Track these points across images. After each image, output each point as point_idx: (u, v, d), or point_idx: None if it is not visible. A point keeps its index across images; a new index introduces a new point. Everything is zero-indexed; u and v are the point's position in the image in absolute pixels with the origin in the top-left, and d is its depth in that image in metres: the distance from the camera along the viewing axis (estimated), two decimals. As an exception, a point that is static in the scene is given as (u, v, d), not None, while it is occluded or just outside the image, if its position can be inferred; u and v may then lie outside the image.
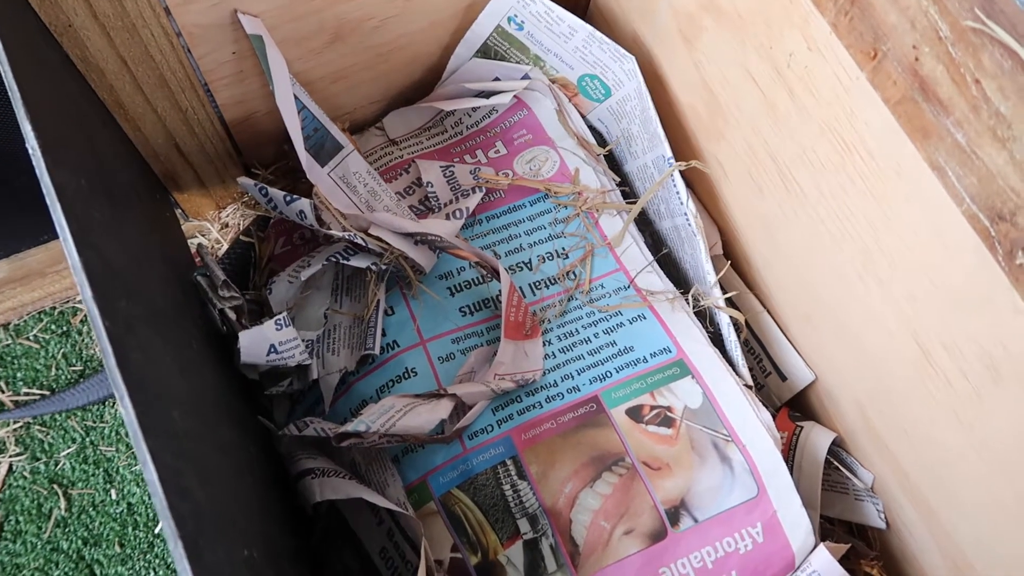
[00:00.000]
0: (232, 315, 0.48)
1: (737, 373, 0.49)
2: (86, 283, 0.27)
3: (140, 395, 0.27)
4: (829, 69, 0.39)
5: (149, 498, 0.61)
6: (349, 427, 0.43)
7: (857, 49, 0.36)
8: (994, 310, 0.35)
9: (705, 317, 0.53)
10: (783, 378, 0.54)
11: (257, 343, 0.46)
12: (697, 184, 0.58)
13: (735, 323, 0.50)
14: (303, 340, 0.50)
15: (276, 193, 0.49)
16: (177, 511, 0.26)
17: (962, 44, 0.30)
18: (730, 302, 0.53)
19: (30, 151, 0.29)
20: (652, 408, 0.48)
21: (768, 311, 0.55)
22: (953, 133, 0.32)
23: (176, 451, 0.29)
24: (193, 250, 0.61)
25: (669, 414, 0.47)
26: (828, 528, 0.54)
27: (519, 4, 0.54)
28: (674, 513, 0.45)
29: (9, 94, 0.30)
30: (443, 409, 0.45)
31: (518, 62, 0.59)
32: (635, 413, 0.47)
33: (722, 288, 0.53)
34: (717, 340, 0.52)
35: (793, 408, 0.56)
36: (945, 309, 0.39)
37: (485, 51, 0.59)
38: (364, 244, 0.50)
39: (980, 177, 0.32)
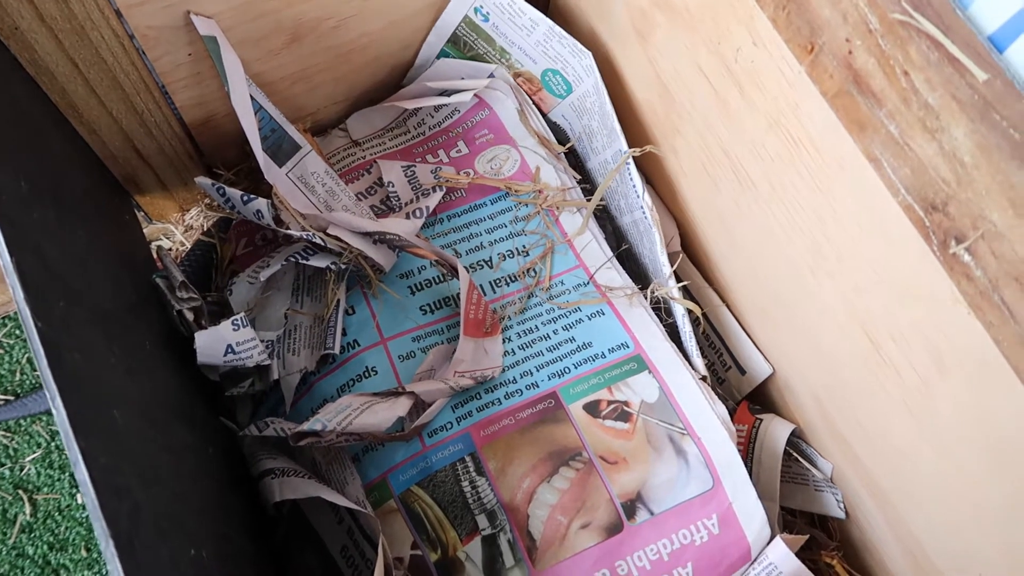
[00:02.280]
0: (190, 316, 0.48)
1: (692, 365, 0.50)
2: (18, 285, 0.27)
3: (74, 395, 0.27)
4: (773, 64, 0.39)
5: (115, 502, 0.61)
6: (305, 426, 0.43)
7: (795, 43, 0.36)
8: (935, 301, 0.35)
9: (663, 311, 0.53)
10: (742, 372, 0.55)
11: (214, 344, 0.46)
12: (656, 180, 0.58)
13: (690, 314, 0.50)
14: (264, 340, 0.50)
15: (233, 193, 0.49)
16: (110, 510, 0.26)
17: (891, 36, 0.31)
18: (686, 292, 0.54)
19: (-37, 153, 0.29)
20: (609, 403, 0.48)
21: (727, 305, 0.55)
22: (887, 125, 0.33)
23: (114, 451, 0.29)
24: (154, 253, 0.61)
25: (626, 408, 0.48)
26: (790, 519, 0.54)
27: None
28: (630, 506, 0.45)
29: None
30: (401, 407, 0.45)
31: (485, 53, 0.59)
32: (593, 408, 0.48)
33: (678, 280, 0.53)
34: (675, 334, 0.52)
35: (754, 402, 0.56)
36: (891, 301, 0.39)
37: (455, 41, 0.59)
38: (323, 244, 0.50)
39: (913, 168, 0.32)
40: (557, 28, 0.54)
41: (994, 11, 0.31)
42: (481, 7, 0.56)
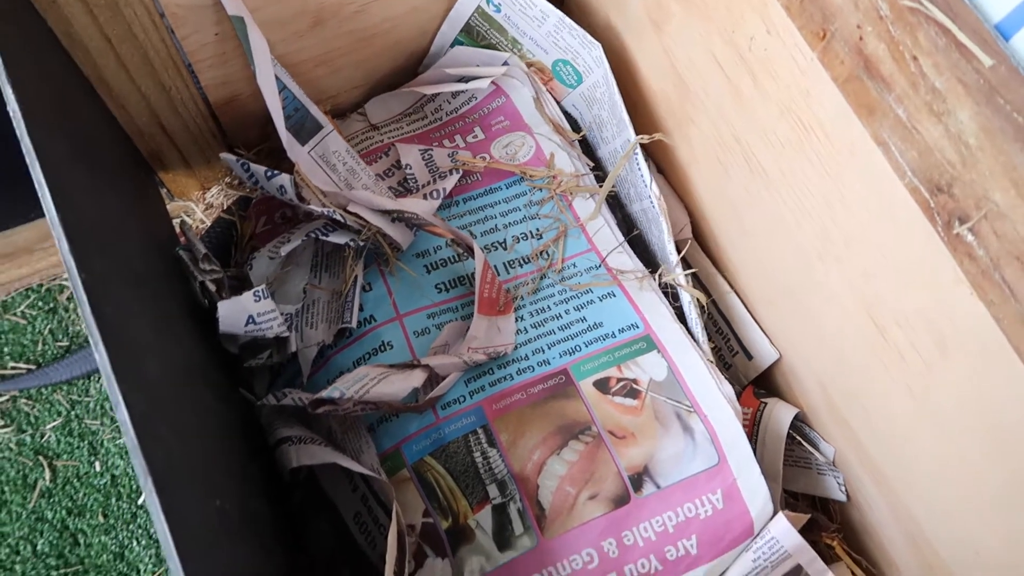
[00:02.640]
0: (212, 287, 0.49)
1: (695, 340, 0.51)
2: (63, 236, 0.29)
3: (113, 342, 0.29)
4: (786, 52, 0.41)
5: (132, 469, 0.62)
6: (324, 393, 0.44)
7: (808, 30, 0.37)
8: (938, 282, 0.37)
9: (671, 296, 0.55)
10: (749, 357, 0.56)
11: (236, 313, 0.47)
12: (669, 168, 0.59)
13: (696, 301, 0.52)
14: (282, 314, 0.51)
15: (257, 169, 0.50)
16: (148, 450, 0.27)
17: (901, 23, 0.32)
18: (696, 280, 0.55)
19: (11, 114, 0.30)
20: (619, 380, 0.49)
21: (736, 291, 0.57)
22: (895, 109, 0.34)
23: (149, 400, 0.30)
24: (177, 228, 0.63)
25: (635, 386, 0.49)
26: (792, 503, 0.55)
27: None
28: (637, 479, 0.46)
29: (-7, 61, 0.31)
30: (416, 379, 0.46)
31: (498, 43, 0.61)
32: (602, 385, 0.49)
33: (687, 266, 0.54)
34: (684, 317, 0.53)
35: (759, 386, 0.58)
36: (897, 285, 0.40)
37: (468, 31, 0.60)
38: (343, 221, 0.51)
39: (920, 151, 0.34)
40: (567, 20, 0.55)
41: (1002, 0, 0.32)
42: None
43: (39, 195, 0.29)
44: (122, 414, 0.27)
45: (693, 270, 0.55)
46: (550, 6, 0.55)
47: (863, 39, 0.34)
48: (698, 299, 0.51)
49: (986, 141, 0.31)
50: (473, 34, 0.61)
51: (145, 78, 0.51)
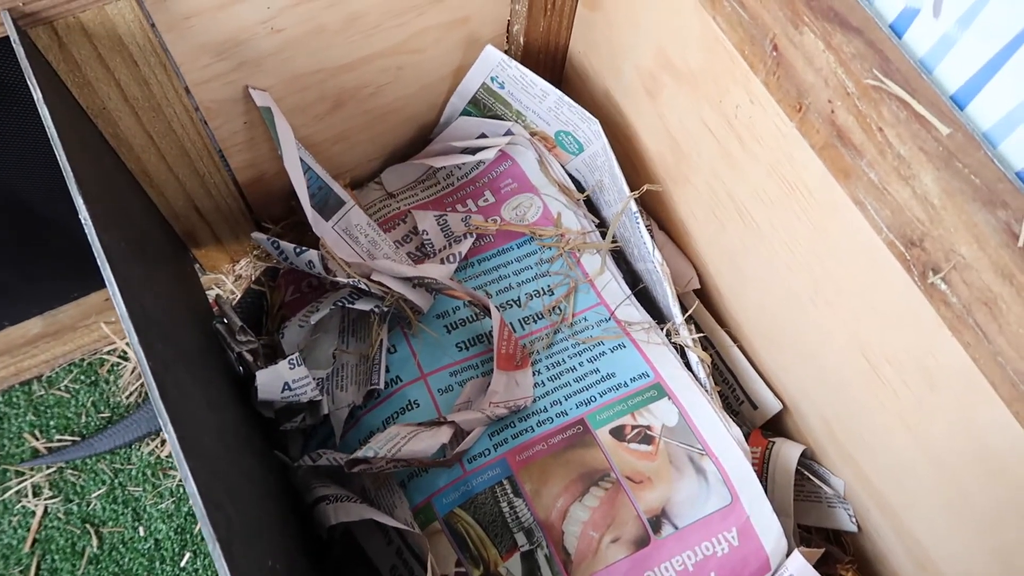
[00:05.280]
0: (249, 357, 0.53)
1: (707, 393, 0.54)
2: (132, 330, 0.32)
3: (179, 424, 0.32)
4: (769, 120, 0.45)
5: (174, 534, 0.65)
6: (359, 453, 0.47)
7: (786, 103, 0.41)
8: (921, 325, 0.40)
9: (679, 347, 0.58)
10: (755, 407, 0.59)
11: (273, 381, 0.51)
12: (669, 222, 0.63)
13: (702, 361, 0.55)
14: (314, 378, 0.54)
15: (287, 246, 0.54)
16: (214, 519, 0.30)
17: (866, 98, 0.36)
18: (705, 340, 0.58)
19: (82, 220, 0.34)
20: (633, 428, 0.52)
21: (739, 339, 0.60)
22: (867, 173, 0.38)
23: (210, 471, 0.34)
24: (211, 300, 0.67)
25: (649, 432, 0.52)
26: (806, 536, 0.58)
27: (499, 67, 0.60)
28: (656, 521, 0.49)
29: (63, 171, 0.36)
30: (443, 435, 0.50)
31: (503, 114, 0.65)
32: (618, 433, 0.52)
33: (696, 324, 0.58)
34: (690, 365, 0.56)
35: (767, 427, 0.60)
36: (885, 327, 0.44)
37: (475, 103, 0.65)
38: (367, 289, 0.55)
39: (892, 209, 0.37)
40: (566, 98, 0.59)
41: (955, 72, 0.36)
42: (496, 76, 0.62)
43: (110, 293, 0.33)
44: (191, 487, 0.30)
45: (703, 334, 0.58)
46: (549, 86, 0.59)
47: (834, 112, 0.38)
48: (701, 358, 0.55)
49: (948, 201, 0.34)
50: (480, 106, 0.65)
51: (182, 167, 0.56)
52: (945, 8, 0.35)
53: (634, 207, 0.57)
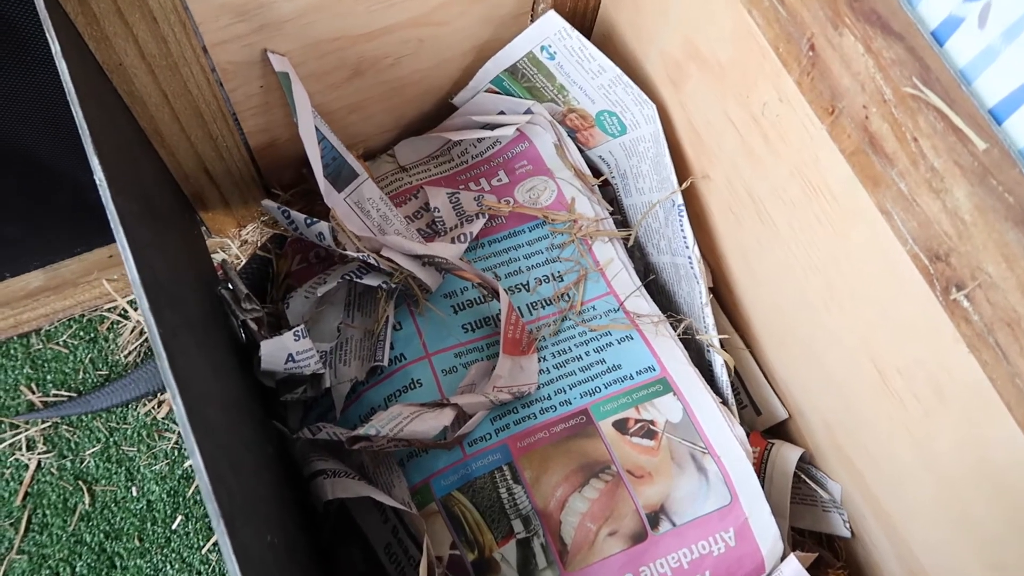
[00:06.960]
0: (254, 326, 0.53)
1: (720, 395, 0.54)
2: (143, 295, 0.32)
3: (187, 393, 0.32)
4: (797, 120, 0.44)
5: (167, 496, 0.65)
6: (361, 431, 0.47)
7: (818, 105, 0.40)
8: (937, 339, 0.39)
9: (690, 345, 0.57)
10: (758, 413, 0.59)
11: (277, 352, 0.50)
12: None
13: (726, 364, 0.55)
14: (318, 351, 0.54)
15: (298, 216, 0.54)
16: (218, 493, 0.30)
17: (903, 107, 0.35)
18: (723, 343, 0.58)
19: (97, 182, 0.33)
20: (637, 421, 0.52)
21: (748, 340, 0.59)
22: (897, 182, 0.37)
23: (214, 442, 0.33)
24: (216, 264, 0.66)
25: (652, 427, 0.52)
26: (799, 539, 0.58)
27: (556, 36, 0.58)
28: (654, 517, 0.49)
29: (79, 129, 0.35)
30: (445, 417, 0.49)
31: (543, 87, 0.63)
32: (621, 425, 0.52)
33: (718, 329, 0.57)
34: (697, 360, 0.56)
35: (769, 426, 0.60)
36: (898, 337, 0.43)
37: (513, 71, 0.62)
38: (376, 264, 0.55)
39: (920, 222, 0.37)
40: (625, 77, 0.57)
41: (996, 86, 0.35)
42: (549, 46, 0.59)
43: (123, 259, 0.32)
44: (196, 460, 0.30)
45: (724, 336, 0.58)
46: (609, 62, 0.57)
47: (868, 118, 0.37)
48: (726, 361, 0.54)
49: (979, 218, 0.34)
50: (518, 76, 0.63)
51: (195, 128, 0.55)
52: (992, 19, 0.34)
53: (679, 199, 0.55)
